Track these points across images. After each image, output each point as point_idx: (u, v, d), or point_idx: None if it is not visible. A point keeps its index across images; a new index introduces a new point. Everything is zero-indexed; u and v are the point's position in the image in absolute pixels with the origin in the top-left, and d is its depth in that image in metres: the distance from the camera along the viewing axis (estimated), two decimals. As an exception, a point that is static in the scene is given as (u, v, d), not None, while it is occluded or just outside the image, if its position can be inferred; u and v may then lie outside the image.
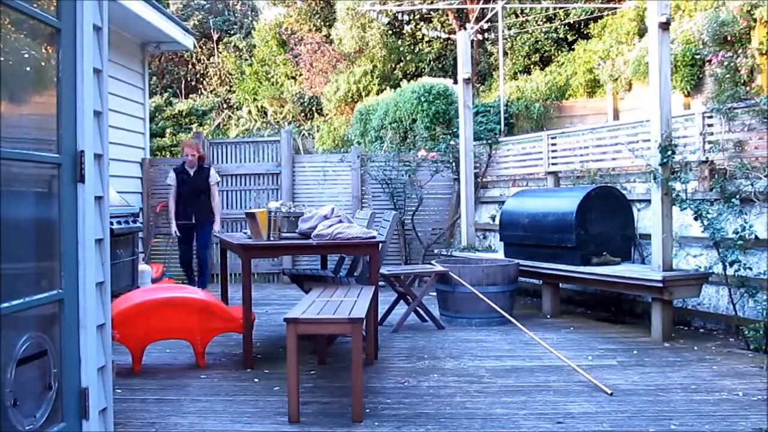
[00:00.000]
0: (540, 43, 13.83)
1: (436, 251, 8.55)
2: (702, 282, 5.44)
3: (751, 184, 5.32)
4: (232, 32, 19.79)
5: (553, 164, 7.80)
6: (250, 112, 16.58)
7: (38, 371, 2.31)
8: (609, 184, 6.72)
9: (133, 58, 8.88)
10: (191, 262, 7.55)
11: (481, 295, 5.74)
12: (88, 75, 2.47)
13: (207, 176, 7.25)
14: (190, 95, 17.56)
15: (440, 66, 15.48)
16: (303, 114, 16.14)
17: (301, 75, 16.93)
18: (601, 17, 12.61)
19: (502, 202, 7.60)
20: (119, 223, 5.98)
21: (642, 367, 4.56)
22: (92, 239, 2.50)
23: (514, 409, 3.70)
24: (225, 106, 17.49)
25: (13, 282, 2.15)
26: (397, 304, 6.32)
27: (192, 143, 7.64)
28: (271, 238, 4.75)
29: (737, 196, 5.22)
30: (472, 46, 10.97)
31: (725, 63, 7.71)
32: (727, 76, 7.66)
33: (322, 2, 17.29)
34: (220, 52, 18.85)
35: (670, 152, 5.29)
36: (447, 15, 15.33)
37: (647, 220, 6.14)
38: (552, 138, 7.89)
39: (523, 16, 14.10)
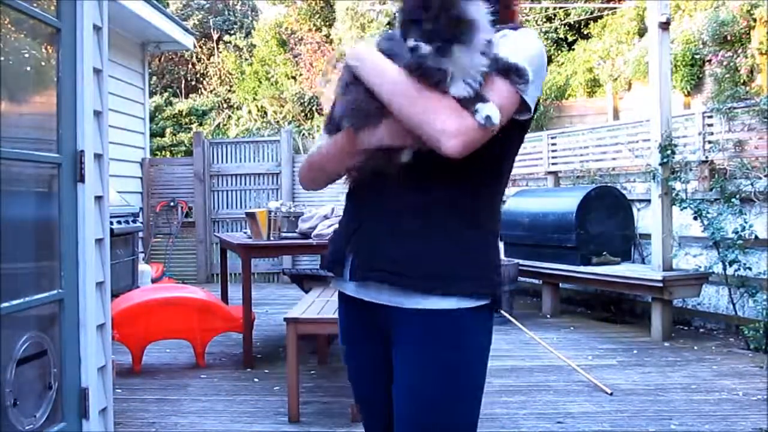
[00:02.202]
0: (540, 42, 13.81)
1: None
2: (702, 282, 5.43)
3: (751, 184, 5.31)
4: (232, 32, 19.78)
5: (553, 164, 7.79)
6: (250, 111, 16.57)
7: (38, 371, 2.31)
8: (609, 184, 6.72)
9: (133, 58, 8.87)
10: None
11: (481, 295, 5.73)
12: (88, 75, 2.47)
13: None
14: (190, 95, 17.55)
15: (440, 66, 15.46)
16: (303, 114, 16.13)
17: (301, 75, 16.92)
18: (601, 17, 12.60)
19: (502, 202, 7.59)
20: (119, 223, 5.98)
21: (642, 366, 4.56)
22: (92, 239, 2.50)
23: (514, 408, 3.70)
24: (225, 105, 17.48)
25: (13, 282, 2.15)
26: (397, 304, 6.31)
27: None
28: (271, 238, 4.75)
29: (737, 196, 5.22)
30: (472, 46, 10.94)
31: (725, 63, 7.70)
32: (727, 75, 7.65)
33: (322, 2, 17.28)
34: (220, 52, 18.84)
35: (669, 152, 5.29)
36: (447, 15, 15.32)
37: (647, 219, 6.14)
38: (552, 138, 7.89)
39: (523, 16, 14.10)
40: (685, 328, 5.83)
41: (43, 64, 2.46)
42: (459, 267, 1.33)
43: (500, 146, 1.32)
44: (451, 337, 1.32)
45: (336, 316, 3.68)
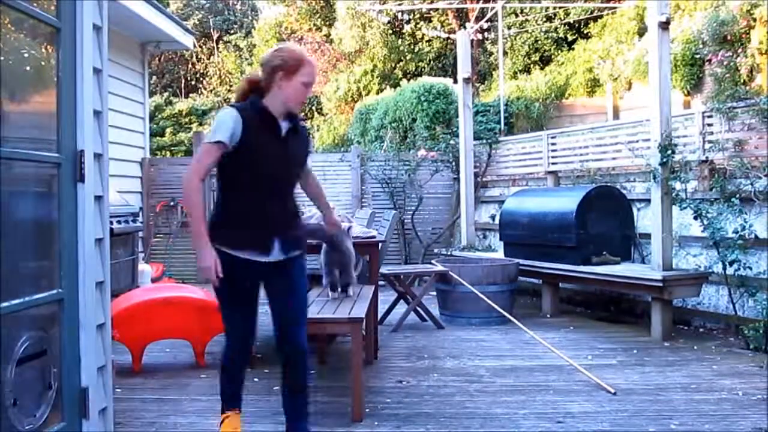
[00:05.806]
0: (540, 42, 13.82)
1: (436, 251, 8.55)
2: (702, 281, 5.43)
3: (751, 184, 5.31)
4: (232, 32, 19.79)
5: (553, 164, 7.79)
6: (250, 111, 16.56)
7: (38, 371, 2.31)
8: (609, 184, 6.72)
9: (133, 58, 8.87)
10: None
11: (480, 295, 5.74)
12: (88, 75, 2.47)
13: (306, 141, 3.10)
14: (190, 95, 17.57)
15: (440, 65, 15.47)
16: (303, 113, 16.13)
17: (301, 74, 16.90)
18: (601, 17, 12.61)
19: (502, 202, 7.59)
20: (119, 222, 5.97)
21: (642, 366, 4.56)
22: (92, 239, 2.50)
23: (514, 408, 3.70)
24: (225, 105, 17.50)
25: (13, 282, 2.15)
26: (397, 304, 6.31)
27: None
28: (271, 238, 4.74)
29: (737, 196, 5.21)
30: (472, 46, 10.97)
31: (725, 62, 7.70)
32: (727, 75, 7.65)
33: (322, 2, 17.28)
34: (220, 52, 18.85)
35: (669, 152, 5.29)
36: (447, 14, 15.34)
37: (647, 219, 6.14)
38: (552, 137, 7.89)
39: (523, 16, 14.10)
40: (685, 327, 5.83)
41: (43, 64, 2.47)
42: None
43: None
44: None
45: (335, 316, 3.68)
